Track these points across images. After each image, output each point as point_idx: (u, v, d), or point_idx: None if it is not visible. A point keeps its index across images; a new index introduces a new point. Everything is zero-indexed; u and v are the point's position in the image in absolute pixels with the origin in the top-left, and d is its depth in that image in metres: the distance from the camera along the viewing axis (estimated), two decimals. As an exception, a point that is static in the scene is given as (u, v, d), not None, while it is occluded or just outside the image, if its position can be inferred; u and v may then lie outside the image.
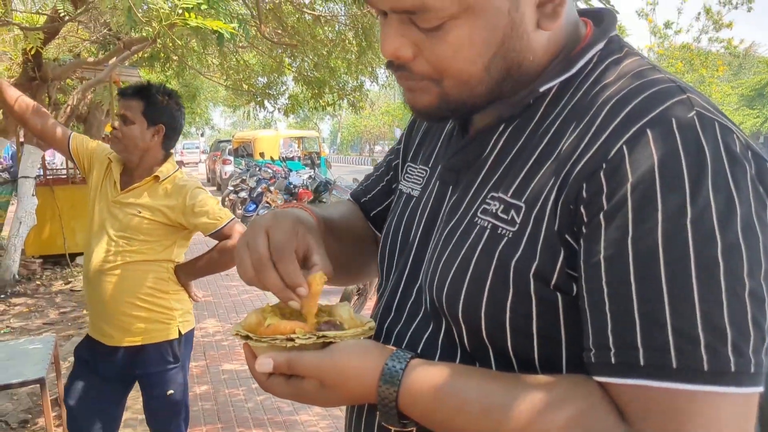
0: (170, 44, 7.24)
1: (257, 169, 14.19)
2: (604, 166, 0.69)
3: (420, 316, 0.86)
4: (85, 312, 6.32)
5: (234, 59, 8.71)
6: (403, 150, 1.09)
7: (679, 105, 0.70)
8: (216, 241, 2.51)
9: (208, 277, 2.62)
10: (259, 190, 11.84)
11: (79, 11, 5.49)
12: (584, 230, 0.70)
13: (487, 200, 0.80)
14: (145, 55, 8.68)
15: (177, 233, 2.48)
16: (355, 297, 5.52)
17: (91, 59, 7.93)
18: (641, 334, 0.65)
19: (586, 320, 0.70)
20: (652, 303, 0.65)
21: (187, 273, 2.53)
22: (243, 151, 21.22)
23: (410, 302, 0.88)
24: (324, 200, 8.60)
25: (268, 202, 10.43)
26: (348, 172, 15.89)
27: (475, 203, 0.82)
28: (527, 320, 0.74)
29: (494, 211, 0.78)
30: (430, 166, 0.97)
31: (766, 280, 0.66)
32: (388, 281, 0.95)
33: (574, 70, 0.80)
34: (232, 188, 13.87)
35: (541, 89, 0.80)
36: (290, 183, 10.15)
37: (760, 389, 0.65)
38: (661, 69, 0.77)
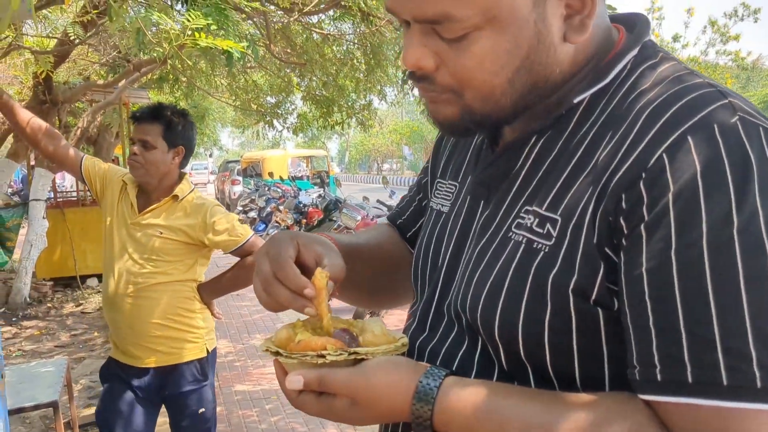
0: (179, 66, 7.28)
1: (266, 189, 14.20)
2: (643, 175, 0.66)
3: (454, 333, 0.83)
4: (96, 334, 6.30)
5: (243, 79, 8.75)
6: (431, 168, 1.07)
7: (721, 110, 0.67)
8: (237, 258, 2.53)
9: (218, 298, 2.62)
10: (269, 209, 11.83)
11: (89, 34, 5.53)
12: (624, 242, 0.67)
13: (521, 214, 0.77)
14: (154, 77, 8.73)
15: (198, 252, 2.48)
16: (368, 315, 5.48)
17: (100, 82, 7.97)
18: (688, 350, 0.62)
19: (629, 336, 0.67)
20: (698, 317, 0.62)
21: (210, 291, 2.53)
22: (252, 171, 21.29)
23: (444, 319, 0.85)
24: (334, 219, 8.58)
25: (277, 222, 10.42)
26: (357, 191, 15.90)
27: (508, 218, 0.79)
28: (567, 337, 0.71)
29: (529, 225, 0.75)
30: (459, 180, 0.94)
31: None
32: (421, 299, 0.92)
33: (608, 80, 0.77)
34: (241, 208, 13.89)
35: (575, 100, 0.77)
36: (300, 202, 10.13)
37: None
38: (699, 74, 0.74)
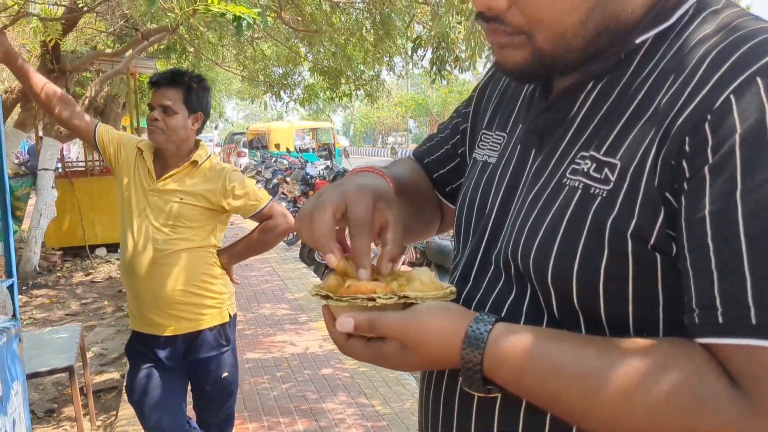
0: (187, 36, 7.23)
1: (273, 160, 14.18)
2: (709, 117, 0.64)
3: (501, 282, 0.82)
4: (106, 303, 6.34)
5: (251, 49, 8.69)
6: (473, 117, 1.04)
7: None
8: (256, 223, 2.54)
9: (238, 262, 2.63)
10: (275, 181, 11.82)
11: (98, 2, 5.48)
12: (686, 186, 0.66)
13: (577, 160, 0.75)
14: (162, 47, 8.68)
15: (217, 217, 2.48)
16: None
17: (108, 51, 7.93)
18: (753, 292, 0.61)
19: (687, 281, 0.66)
20: (764, 260, 0.61)
21: (230, 256, 2.54)
22: (258, 143, 21.24)
23: (491, 269, 0.84)
24: (342, 190, 8.60)
25: (284, 193, 10.41)
26: (363, 163, 15.87)
27: (563, 164, 0.77)
28: (623, 283, 0.70)
29: (585, 170, 0.74)
30: (507, 131, 0.92)
31: None
32: (465, 249, 0.91)
33: (671, 21, 0.75)
34: (247, 180, 13.87)
35: (637, 41, 0.75)
36: (307, 174, 10.10)
37: None
38: (763, 19, 0.72)
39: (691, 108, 0.66)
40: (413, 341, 0.73)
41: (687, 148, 0.66)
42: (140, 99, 9.59)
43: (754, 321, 0.61)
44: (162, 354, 2.45)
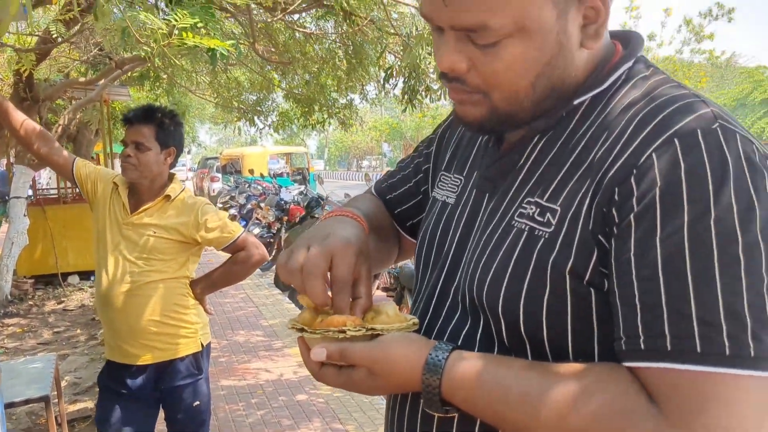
0: (161, 63, 7.28)
1: (246, 185, 14.20)
2: (634, 172, 0.75)
3: (458, 314, 0.92)
4: (79, 331, 6.30)
5: (224, 77, 8.75)
6: (434, 158, 1.15)
7: (704, 117, 0.76)
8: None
9: (210, 293, 2.69)
10: (249, 206, 11.84)
11: (72, 33, 5.53)
12: (615, 231, 0.76)
13: (524, 205, 0.86)
14: (135, 74, 8.72)
15: (190, 249, 2.55)
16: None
17: (82, 79, 7.95)
18: (668, 322, 0.71)
19: (617, 312, 0.76)
20: (678, 295, 0.71)
21: (203, 287, 2.60)
22: (231, 168, 21.24)
23: (448, 301, 0.94)
24: (316, 216, 8.63)
25: (258, 219, 10.43)
26: (337, 188, 15.92)
27: (512, 208, 0.88)
28: (562, 315, 0.80)
29: (531, 214, 0.84)
30: (464, 175, 1.03)
31: None
32: (425, 283, 1.01)
33: (606, 85, 0.86)
34: (221, 205, 13.87)
35: (575, 102, 0.86)
36: (281, 199, 10.15)
37: None
38: (685, 86, 0.84)
39: (620, 163, 0.77)
40: (380, 368, 0.83)
41: (616, 197, 0.76)
42: (113, 125, 9.60)
43: (669, 347, 0.71)
44: (133, 383, 2.51)
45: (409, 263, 5.69)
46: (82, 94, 8.03)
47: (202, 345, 2.59)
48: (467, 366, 0.81)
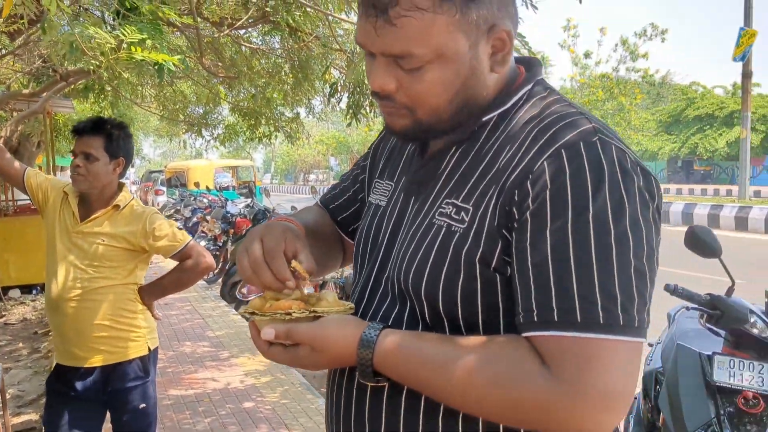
0: (106, 76, 7.27)
1: (192, 199, 14.12)
2: (530, 177, 0.94)
3: (388, 299, 1.09)
4: (21, 345, 6.23)
5: (170, 90, 8.76)
6: (369, 168, 1.32)
7: (586, 132, 0.95)
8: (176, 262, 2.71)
9: (158, 299, 2.79)
10: (195, 219, 11.80)
11: (17, 45, 5.52)
12: (516, 225, 0.94)
13: (443, 205, 1.03)
14: (79, 86, 8.65)
15: (138, 257, 2.64)
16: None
17: (25, 91, 7.87)
18: (555, 298, 0.89)
19: (516, 292, 0.94)
20: (563, 276, 0.89)
21: (150, 293, 2.70)
22: (176, 182, 21.05)
23: (380, 290, 1.11)
24: (262, 228, 8.69)
25: (204, 232, 10.40)
26: (284, 201, 15.95)
27: (433, 208, 1.05)
28: (474, 296, 0.98)
29: (448, 213, 1.02)
30: (394, 180, 1.20)
31: (648, 261, 0.92)
32: (361, 275, 1.17)
33: (509, 105, 1.05)
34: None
35: (484, 119, 1.04)
36: (227, 212, 10.15)
37: (643, 340, 0.90)
38: (574, 104, 1.03)
39: (519, 170, 0.95)
40: (320, 345, 0.99)
41: (516, 198, 0.94)
42: (56, 138, 9.48)
43: (556, 318, 0.89)
44: (81, 386, 2.58)
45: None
46: (25, 106, 7.94)
47: (149, 349, 2.68)
48: (395, 341, 0.97)
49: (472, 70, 1.00)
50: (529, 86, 1.06)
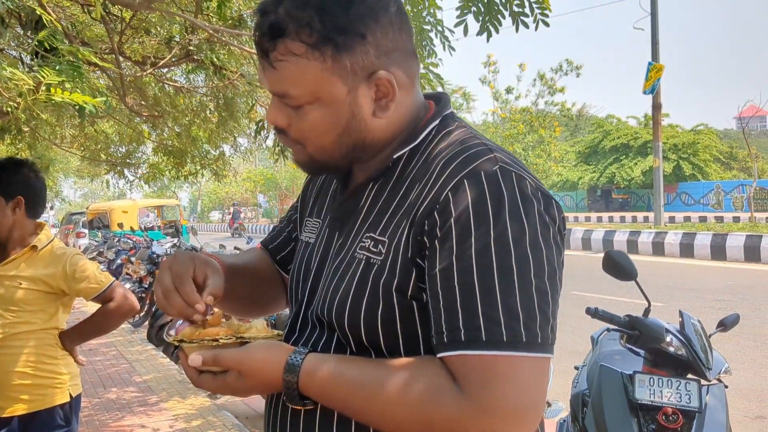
0: (23, 116, 7.06)
1: (115, 240, 13.75)
2: (437, 207, 0.99)
3: (316, 332, 1.12)
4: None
5: (92, 129, 8.58)
6: (300, 208, 1.37)
7: (487, 162, 1.01)
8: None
9: (80, 344, 2.71)
10: (119, 261, 11.49)
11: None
12: (427, 253, 1.00)
13: (363, 239, 1.08)
14: (-6, 128, 8.36)
15: (59, 300, 2.56)
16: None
17: (-65, 133, 7.55)
18: (462, 319, 0.94)
19: (429, 316, 0.98)
20: (469, 298, 0.94)
21: (72, 338, 2.62)
22: (98, 223, 20.45)
23: (309, 323, 1.14)
24: (190, 268, 8.53)
25: (129, 274, 10.13)
26: (213, 239, 15.73)
27: (354, 243, 1.10)
28: (393, 324, 1.02)
29: (367, 246, 1.07)
30: (321, 218, 1.25)
31: (550, 280, 0.97)
32: (293, 307, 1.21)
33: (418, 141, 1.11)
34: (88, 261, 13.29)
35: (395, 156, 1.10)
36: (153, 252, 9.93)
37: (548, 355, 0.95)
38: (480, 136, 1.10)
39: (428, 201, 1.01)
40: (248, 370, 1.01)
41: (426, 227, 1.00)
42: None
43: (463, 338, 0.94)
44: None
45: (286, 312, 5.80)
46: (-65, 149, 7.61)
47: (71, 396, 2.59)
48: (318, 365, 1.01)
49: (353, 114, 1.06)
50: (437, 121, 1.12)
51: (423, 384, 0.94)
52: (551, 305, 0.97)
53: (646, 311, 2.88)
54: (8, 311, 2.46)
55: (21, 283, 2.47)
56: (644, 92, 20.68)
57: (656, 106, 21.28)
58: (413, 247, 1.01)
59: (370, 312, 1.02)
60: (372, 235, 1.07)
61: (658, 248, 16.76)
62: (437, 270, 0.97)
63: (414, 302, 1.01)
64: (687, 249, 16.04)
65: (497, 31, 3.58)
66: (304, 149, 1.09)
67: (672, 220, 27.05)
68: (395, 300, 1.01)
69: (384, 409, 0.96)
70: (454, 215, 0.97)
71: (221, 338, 1.01)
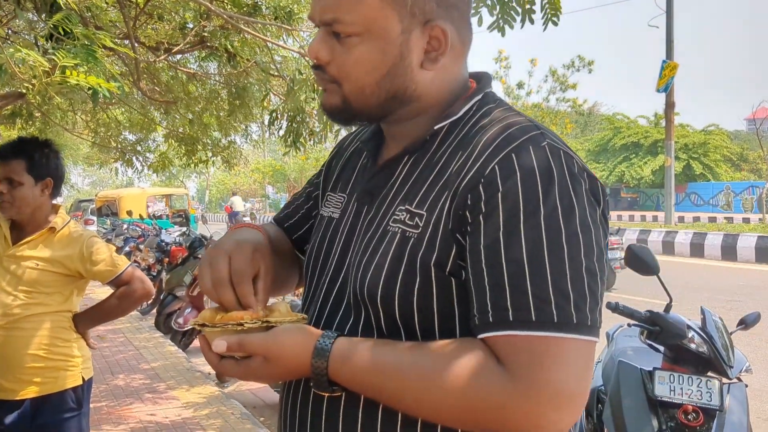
0: (36, 100, 7.05)
1: (124, 228, 13.74)
2: (482, 180, 0.94)
3: (342, 310, 1.07)
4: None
5: (104, 116, 8.56)
6: (322, 183, 1.30)
7: (536, 137, 0.97)
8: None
9: (94, 327, 2.68)
10: (128, 249, 11.47)
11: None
12: (469, 229, 0.95)
13: (396, 212, 1.03)
14: (6, 112, 8.36)
15: (74, 282, 2.53)
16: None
17: (-53, 116, 7.55)
18: (510, 299, 0.89)
19: (471, 294, 0.94)
20: (517, 276, 0.89)
21: (86, 321, 2.59)
22: (107, 211, 20.48)
23: (333, 301, 1.09)
24: (200, 256, 8.51)
25: (137, 261, 10.12)
26: (221, 229, 15.70)
27: (387, 215, 1.04)
28: (430, 301, 0.97)
29: (402, 219, 1.01)
30: (347, 193, 1.18)
31: (598, 262, 0.93)
32: (313, 286, 1.15)
33: (459, 114, 1.06)
34: (97, 248, 13.30)
35: (435, 127, 1.05)
36: (162, 241, 9.91)
37: (596, 339, 0.91)
38: (523, 114, 1.05)
39: (471, 174, 0.96)
40: (274, 355, 0.96)
41: (469, 202, 0.95)
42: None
43: (511, 318, 0.89)
44: (9, 419, 2.44)
45: (297, 300, 5.77)
46: (-53, 132, 7.61)
47: (83, 379, 2.56)
48: (349, 349, 0.96)
49: (401, 56, 1.01)
50: (479, 97, 1.08)
51: (465, 366, 0.90)
52: (600, 287, 0.93)
53: (668, 307, 2.83)
54: (23, 292, 2.42)
55: (38, 264, 2.44)
56: (658, 90, 20.54)
57: (669, 105, 21.12)
58: (454, 222, 0.96)
59: (405, 287, 0.97)
60: (407, 207, 1.02)
61: (668, 247, 16.67)
62: (482, 246, 0.93)
63: (452, 279, 0.96)
64: (697, 249, 15.95)
65: (511, 27, 3.54)
66: (340, 90, 1.04)
67: (681, 220, 26.88)
68: (433, 275, 0.96)
69: (422, 394, 0.92)
70: (501, 189, 0.93)
71: (246, 322, 0.96)
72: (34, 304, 2.43)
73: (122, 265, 2.58)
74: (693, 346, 2.69)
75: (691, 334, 2.70)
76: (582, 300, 0.89)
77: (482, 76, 1.14)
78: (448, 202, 0.97)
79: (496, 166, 0.94)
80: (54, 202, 2.63)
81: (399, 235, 1.01)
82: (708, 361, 2.70)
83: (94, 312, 2.63)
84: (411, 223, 1.00)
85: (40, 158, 2.50)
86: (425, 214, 0.99)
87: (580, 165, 0.97)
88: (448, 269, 0.96)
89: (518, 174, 0.93)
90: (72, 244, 2.51)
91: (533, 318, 0.88)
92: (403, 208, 1.02)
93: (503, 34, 3.55)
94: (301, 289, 1.30)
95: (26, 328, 2.42)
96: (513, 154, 0.94)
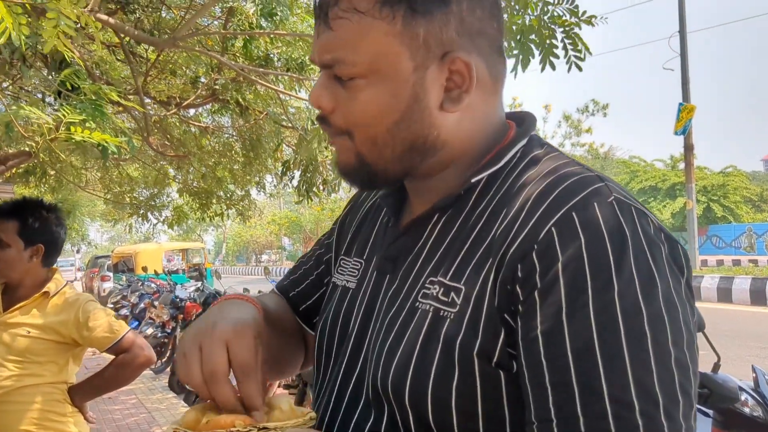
0: (47, 158, 7.01)
1: (139, 284, 13.64)
2: (535, 247, 0.73)
3: (361, 405, 0.85)
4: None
5: (116, 172, 8.52)
6: (335, 245, 1.10)
7: (600, 191, 0.76)
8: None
9: (91, 400, 2.48)
10: (142, 305, 11.34)
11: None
12: (521, 308, 0.73)
13: (427, 285, 0.82)
14: (19, 171, 8.34)
15: (70, 350, 2.35)
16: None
17: (-40, 176, 7.52)
18: (581, 403, 0.67)
19: (527, 395, 0.72)
20: (588, 373, 0.68)
21: (82, 394, 2.40)
22: (123, 267, 20.44)
23: (349, 392, 0.88)
24: (213, 312, 8.34)
25: (152, 318, 9.96)
26: (236, 283, 15.57)
27: (414, 288, 0.84)
28: (473, 400, 0.75)
29: (435, 294, 0.81)
30: (365, 258, 0.98)
31: (689, 350, 0.71)
32: (326, 373, 0.94)
33: (501, 164, 0.86)
34: (112, 305, 13.22)
35: (473, 180, 0.85)
36: (176, 297, 9.75)
37: None
38: (579, 162, 0.84)
39: (520, 239, 0.75)
40: None
41: (519, 274, 0.74)
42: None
43: (583, 429, 0.67)
44: None
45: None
46: (-40, 192, 7.57)
47: None
48: None
49: (416, 97, 0.82)
50: (523, 142, 0.88)
51: None
52: (693, 383, 0.71)
53: (716, 366, 2.58)
54: (13, 362, 2.24)
55: (29, 332, 2.27)
56: (675, 133, 20.35)
57: (688, 147, 20.89)
58: (501, 298, 0.75)
59: (441, 381, 0.76)
60: (441, 279, 0.81)
61: (695, 293, 16.21)
62: (538, 332, 0.71)
63: (501, 372, 0.75)
64: (725, 293, 15.48)
65: (523, 69, 3.40)
66: (351, 143, 0.85)
67: (705, 263, 26.36)
68: (477, 368, 0.75)
69: None
70: (561, 259, 0.72)
71: (238, 430, 0.75)
72: (26, 375, 2.25)
73: (121, 331, 2.39)
74: (746, 410, 2.45)
75: (743, 396, 2.46)
76: (673, 405, 0.68)
77: (525, 116, 0.94)
78: (493, 273, 0.77)
79: (553, 229, 0.74)
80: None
81: (431, 314, 0.80)
82: (764, 427, 2.44)
83: (91, 383, 2.43)
84: (445, 299, 0.79)
85: (34, 222, 2.35)
86: (463, 288, 0.78)
87: (656, 224, 0.77)
88: (495, 360, 0.75)
89: (582, 238, 0.72)
90: (67, 309, 2.34)
91: (613, 429, 0.66)
92: (435, 280, 0.82)
93: (515, 76, 3.41)
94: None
95: (18, 401, 2.24)
96: (573, 213, 0.74)
